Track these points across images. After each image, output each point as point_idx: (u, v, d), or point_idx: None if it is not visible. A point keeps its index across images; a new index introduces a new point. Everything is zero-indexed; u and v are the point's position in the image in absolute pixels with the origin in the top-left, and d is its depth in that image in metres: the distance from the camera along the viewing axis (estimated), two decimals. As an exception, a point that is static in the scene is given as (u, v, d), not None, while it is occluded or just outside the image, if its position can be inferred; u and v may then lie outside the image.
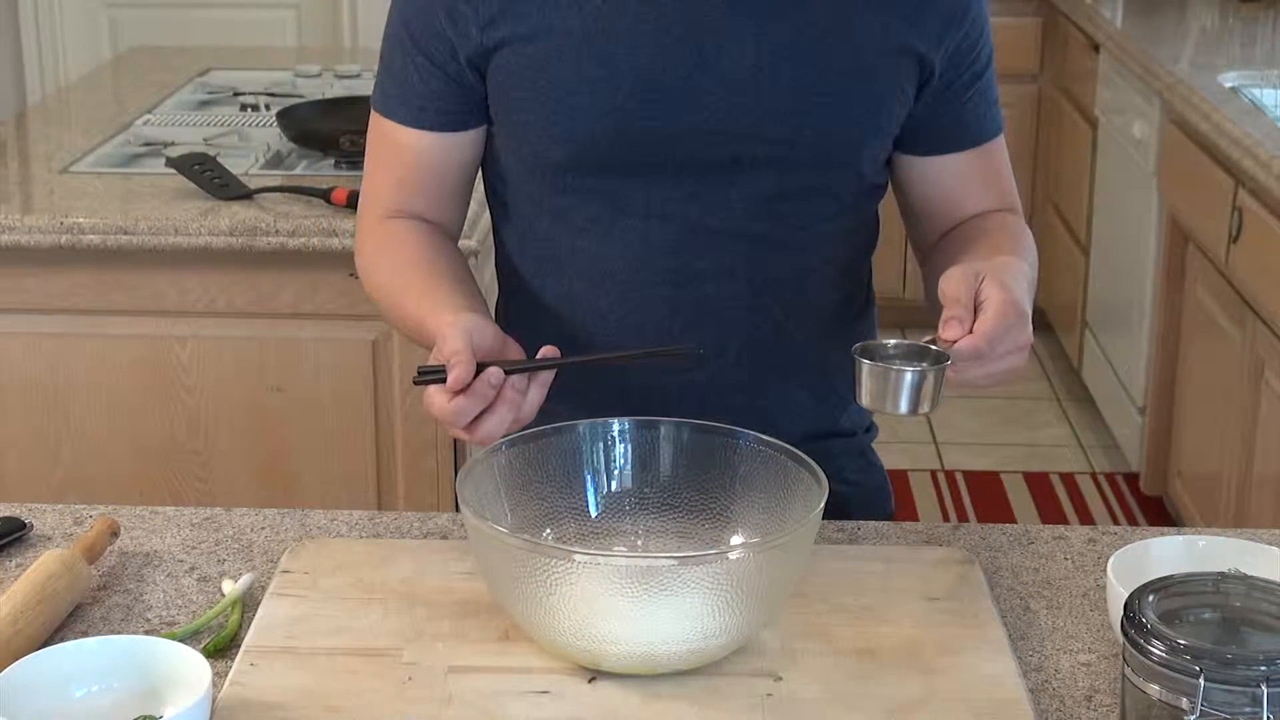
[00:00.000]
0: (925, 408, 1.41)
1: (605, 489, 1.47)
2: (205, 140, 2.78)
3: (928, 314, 1.52)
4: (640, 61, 1.53)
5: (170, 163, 2.55)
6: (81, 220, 2.38)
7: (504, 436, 1.45)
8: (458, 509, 1.40)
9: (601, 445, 1.47)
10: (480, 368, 1.38)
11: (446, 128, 1.61)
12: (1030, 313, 1.44)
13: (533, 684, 1.31)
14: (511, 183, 1.63)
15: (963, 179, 1.65)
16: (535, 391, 1.42)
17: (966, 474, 4.07)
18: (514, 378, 1.40)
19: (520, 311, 1.68)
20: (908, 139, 1.63)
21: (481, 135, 1.64)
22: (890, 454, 4.08)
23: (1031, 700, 1.31)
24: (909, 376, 1.40)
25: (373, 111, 1.66)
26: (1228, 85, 3.45)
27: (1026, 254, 1.57)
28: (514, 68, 1.56)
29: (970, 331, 1.40)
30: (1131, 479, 3.96)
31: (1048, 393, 4.57)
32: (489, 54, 1.56)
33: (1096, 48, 4.21)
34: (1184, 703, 1.15)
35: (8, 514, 1.59)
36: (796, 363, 1.65)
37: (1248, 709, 1.13)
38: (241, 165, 2.63)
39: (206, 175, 2.50)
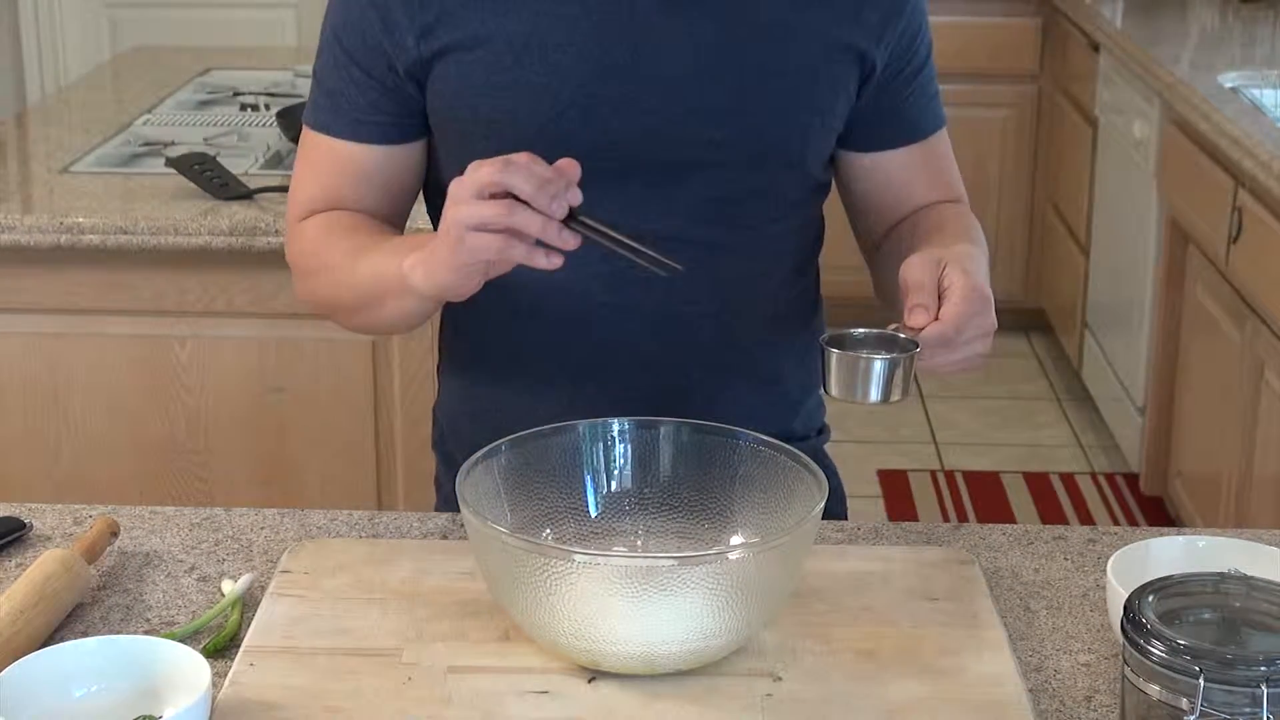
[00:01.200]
0: (896, 396, 1.41)
1: (605, 489, 1.47)
2: (205, 140, 2.79)
3: (886, 311, 1.52)
4: (582, 67, 1.51)
5: (170, 163, 2.55)
6: (81, 220, 2.38)
7: (492, 445, 1.44)
8: (458, 509, 1.39)
9: (601, 445, 1.47)
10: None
11: (386, 140, 1.57)
12: (992, 299, 1.44)
13: (533, 684, 1.31)
14: None
15: (907, 174, 1.65)
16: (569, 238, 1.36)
17: (966, 474, 4.07)
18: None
19: (466, 322, 1.66)
20: (850, 136, 1.62)
21: (422, 149, 1.60)
22: (890, 454, 4.14)
23: (1031, 700, 1.31)
24: (879, 365, 1.40)
25: (305, 129, 1.61)
26: (1228, 85, 3.45)
27: (979, 242, 1.57)
28: (453, 77, 1.53)
29: (936, 318, 1.40)
30: (1131, 479, 3.96)
31: (1048, 393, 4.57)
32: (428, 64, 1.53)
33: (1096, 48, 4.21)
34: (1184, 703, 1.15)
35: (8, 514, 1.58)
36: (747, 366, 1.64)
37: (1248, 709, 1.13)
38: (241, 165, 2.63)
39: (206, 175, 2.50)
